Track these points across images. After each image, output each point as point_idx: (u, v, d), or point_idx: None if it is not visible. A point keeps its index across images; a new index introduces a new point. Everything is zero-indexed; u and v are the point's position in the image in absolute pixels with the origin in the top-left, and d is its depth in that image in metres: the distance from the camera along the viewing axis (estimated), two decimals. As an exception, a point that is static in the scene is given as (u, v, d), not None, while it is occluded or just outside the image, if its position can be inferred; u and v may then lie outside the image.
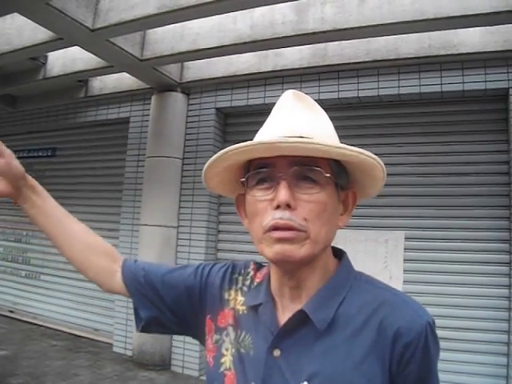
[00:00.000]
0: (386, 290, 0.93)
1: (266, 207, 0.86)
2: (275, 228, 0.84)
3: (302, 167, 0.86)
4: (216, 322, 1.05)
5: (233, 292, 1.06)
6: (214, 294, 1.07)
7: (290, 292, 0.94)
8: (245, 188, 0.94)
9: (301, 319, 0.88)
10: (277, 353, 0.89)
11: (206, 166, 0.94)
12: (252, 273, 1.08)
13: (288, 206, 0.83)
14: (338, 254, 1.00)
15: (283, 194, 0.83)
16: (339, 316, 0.87)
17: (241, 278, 1.08)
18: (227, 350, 0.99)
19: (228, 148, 0.87)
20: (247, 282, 1.06)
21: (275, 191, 0.85)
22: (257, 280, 1.06)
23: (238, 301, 1.04)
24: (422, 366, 0.84)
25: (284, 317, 0.92)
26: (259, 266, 1.10)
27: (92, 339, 6.62)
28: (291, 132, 0.86)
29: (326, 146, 0.83)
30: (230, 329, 1.01)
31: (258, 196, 0.88)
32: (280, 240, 0.84)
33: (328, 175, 0.87)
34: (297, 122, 0.89)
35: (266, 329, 0.93)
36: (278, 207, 0.84)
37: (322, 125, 0.93)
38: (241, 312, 1.02)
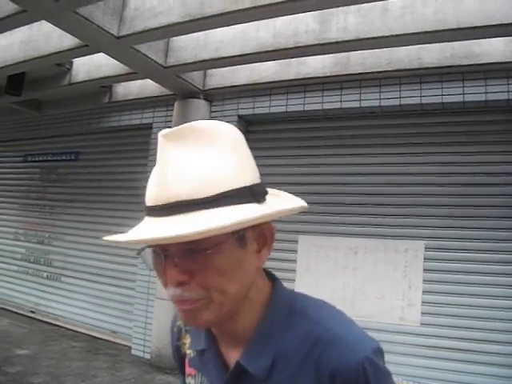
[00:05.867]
0: (319, 324, 0.82)
1: (162, 275, 0.78)
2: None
3: (186, 244, 0.71)
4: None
5: (183, 339, 1.01)
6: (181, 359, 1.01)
7: (225, 338, 0.88)
8: None
9: (241, 370, 0.82)
10: None
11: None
12: None
13: (180, 283, 0.74)
14: (271, 277, 0.90)
15: (170, 275, 0.74)
16: (278, 358, 0.81)
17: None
18: None
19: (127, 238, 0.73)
20: None
21: (164, 266, 0.75)
22: None
23: (186, 344, 0.99)
24: None
25: (230, 359, 0.87)
26: None
27: (110, 341, 6.70)
28: (164, 198, 0.73)
29: (196, 233, 0.66)
30: (189, 378, 0.95)
31: (154, 264, 0.78)
32: (181, 310, 0.78)
33: (217, 245, 0.73)
34: (170, 179, 0.73)
35: (216, 373, 0.87)
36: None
37: (207, 165, 0.75)
38: (192, 354, 0.95)
